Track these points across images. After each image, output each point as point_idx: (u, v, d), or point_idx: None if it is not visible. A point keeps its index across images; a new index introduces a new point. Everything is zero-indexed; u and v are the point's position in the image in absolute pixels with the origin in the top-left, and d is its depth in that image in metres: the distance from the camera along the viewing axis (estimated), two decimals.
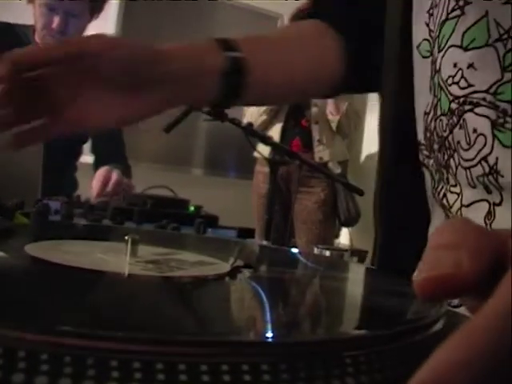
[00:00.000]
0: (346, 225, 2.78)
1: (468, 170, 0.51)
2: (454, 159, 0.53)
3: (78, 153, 1.83)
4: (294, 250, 0.58)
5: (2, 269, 0.35)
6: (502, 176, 0.48)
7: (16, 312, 0.23)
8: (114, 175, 1.43)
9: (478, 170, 0.50)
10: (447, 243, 0.20)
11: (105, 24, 2.91)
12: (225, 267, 0.41)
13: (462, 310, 0.35)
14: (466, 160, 0.51)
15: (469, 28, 0.50)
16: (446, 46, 0.52)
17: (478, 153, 0.50)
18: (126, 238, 0.41)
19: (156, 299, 0.32)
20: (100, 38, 0.52)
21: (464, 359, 0.16)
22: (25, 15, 1.70)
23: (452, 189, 0.54)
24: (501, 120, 0.48)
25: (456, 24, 0.51)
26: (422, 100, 0.57)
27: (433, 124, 0.55)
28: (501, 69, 0.48)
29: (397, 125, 0.63)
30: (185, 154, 3.52)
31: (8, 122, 0.52)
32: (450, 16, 0.52)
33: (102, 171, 1.45)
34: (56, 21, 1.56)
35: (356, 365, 0.22)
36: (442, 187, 0.55)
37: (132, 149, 1.94)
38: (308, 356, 0.22)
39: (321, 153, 2.62)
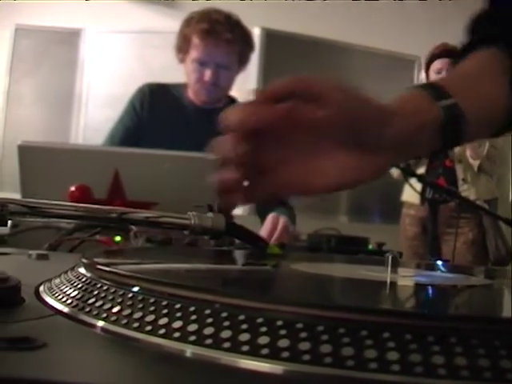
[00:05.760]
0: (497, 265, 2.68)
1: None
2: None
3: None
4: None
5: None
6: None
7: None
8: (281, 221, 1.43)
9: None
10: None
11: (246, 78, 3.09)
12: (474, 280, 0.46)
13: None
14: None
15: None
16: None
17: None
18: (387, 255, 0.46)
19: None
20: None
21: None
22: (176, 75, 1.84)
23: None
24: None
25: None
26: None
27: None
28: None
29: None
30: (329, 201, 3.56)
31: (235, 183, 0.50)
32: None
33: (269, 218, 1.46)
34: (208, 74, 1.64)
35: None
36: None
37: None
38: None
39: (466, 192, 2.58)
